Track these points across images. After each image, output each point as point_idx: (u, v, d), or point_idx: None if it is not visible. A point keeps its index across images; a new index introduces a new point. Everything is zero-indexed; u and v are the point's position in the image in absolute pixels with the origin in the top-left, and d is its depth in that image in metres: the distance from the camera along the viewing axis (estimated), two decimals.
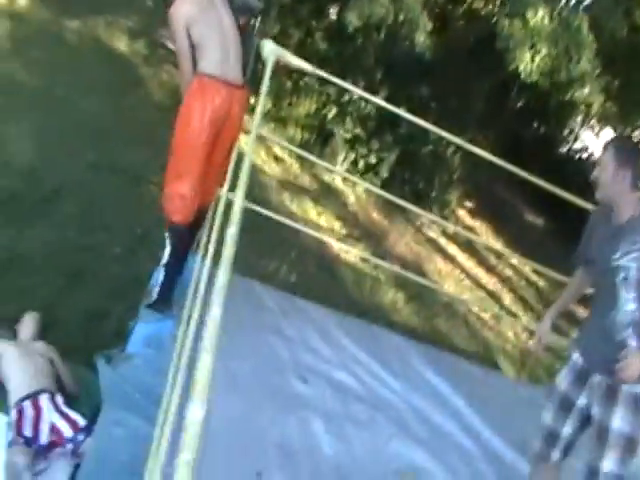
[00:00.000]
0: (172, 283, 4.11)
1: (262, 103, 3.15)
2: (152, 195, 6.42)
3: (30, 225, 5.28)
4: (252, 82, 8.62)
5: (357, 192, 9.00)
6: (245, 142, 4.07)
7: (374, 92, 8.95)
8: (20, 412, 3.49)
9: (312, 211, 7.84)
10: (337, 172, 8.69)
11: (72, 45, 9.29)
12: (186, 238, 4.08)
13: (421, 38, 7.69)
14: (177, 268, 4.12)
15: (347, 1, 7.90)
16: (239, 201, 2.17)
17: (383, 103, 5.53)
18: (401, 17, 7.62)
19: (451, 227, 8.89)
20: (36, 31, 9.13)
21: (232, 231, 1.98)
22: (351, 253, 7.29)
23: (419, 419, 4.04)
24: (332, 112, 9.39)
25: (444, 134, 4.81)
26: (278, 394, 3.70)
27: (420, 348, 4.91)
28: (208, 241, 3.59)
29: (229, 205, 3.69)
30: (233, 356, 3.58)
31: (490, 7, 10.06)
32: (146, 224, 5.85)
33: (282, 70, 8.82)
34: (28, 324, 4.10)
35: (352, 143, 9.15)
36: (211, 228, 3.64)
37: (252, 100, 8.66)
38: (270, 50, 3.65)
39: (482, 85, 10.48)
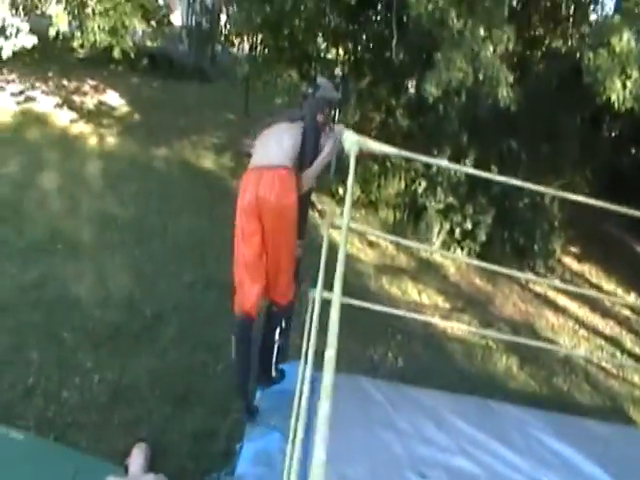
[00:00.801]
0: (243, 385, 3.98)
1: (349, 197, 3.01)
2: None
3: (134, 354, 5.40)
4: (339, 172, 8.75)
5: (457, 262, 8.79)
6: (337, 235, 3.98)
7: (462, 156, 8.87)
8: None
9: (413, 290, 7.69)
10: (432, 249, 8.52)
11: (161, 172, 9.68)
12: (245, 332, 3.87)
13: (504, 92, 7.52)
14: (243, 368, 3.93)
15: (424, 72, 7.85)
16: (337, 298, 2.03)
17: (471, 170, 5.33)
18: (481, 76, 7.48)
19: (556, 282, 8.50)
20: (126, 165, 9.60)
21: (333, 330, 1.85)
22: (457, 325, 7.06)
23: None
24: (422, 186, 9.30)
25: (540, 189, 4.56)
26: None
27: (541, 416, 4.58)
28: (307, 346, 3.51)
29: (324, 303, 3.65)
30: (346, 461, 3.43)
31: (570, 43, 9.83)
32: None
33: (367, 155, 8.87)
34: (138, 457, 4.10)
35: (445, 213, 8.99)
36: (308, 331, 3.57)
37: (340, 190, 8.87)
38: (351, 142, 3.58)
39: (572, 124, 10.15)
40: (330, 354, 1.77)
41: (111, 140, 10.58)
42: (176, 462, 4.38)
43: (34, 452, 4.16)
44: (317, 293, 3.52)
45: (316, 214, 7.93)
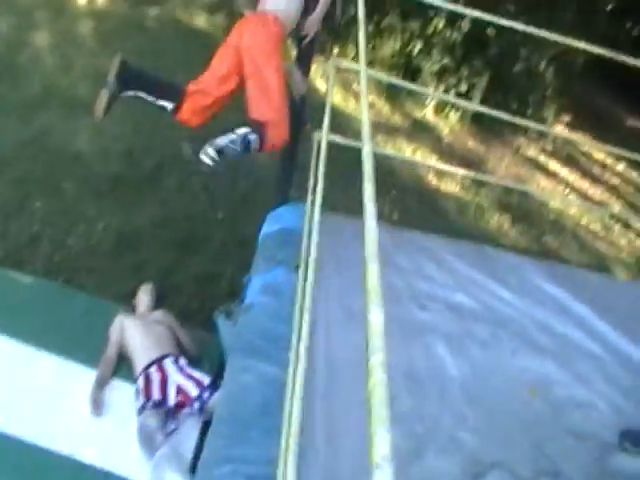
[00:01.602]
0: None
1: (363, 34, 2.90)
2: (248, 157, 6.52)
3: (137, 204, 5.51)
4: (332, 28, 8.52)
5: (450, 123, 8.81)
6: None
7: (458, 18, 8.76)
8: (147, 378, 3.67)
9: (407, 149, 7.72)
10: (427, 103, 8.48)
11: (154, 31, 9.47)
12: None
13: None
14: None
15: None
16: (368, 149, 2.04)
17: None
18: None
19: (548, 144, 8.55)
20: (118, 24, 9.38)
21: (369, 181, 1.85)
22: (451, 184, 7.15)
23: (543, 331, 3.95)
24: (417, 47, 9.14)
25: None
26: (399, 323, 3.64)
27: (535, 263, 4.76)
28: (314, 189, 3.58)
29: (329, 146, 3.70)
30: (348, 292, 3.59)
31: None
32: (244, 186, 5.98)
33: None
34: (144, 296, 4.28)
35: (441, 74, 8.92)
36: (314, 175, 3.64)
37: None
38: None
39: None
40: (370, 210, 1.75)
41: (101, 0, 10.30)
42: (182, 302, 4.58)
43: (43, 295, 4.32)
44: (324, 135, 3.57)
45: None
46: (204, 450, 2.90)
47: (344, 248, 3.84)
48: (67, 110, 6.80)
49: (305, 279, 3.34)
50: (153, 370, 3.73)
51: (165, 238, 5.17)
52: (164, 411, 3.58)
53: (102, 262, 4.84)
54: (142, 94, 3.57)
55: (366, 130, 2.02)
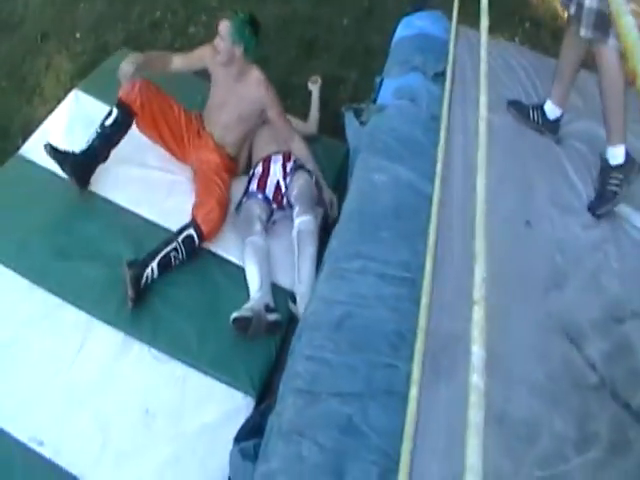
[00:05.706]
0: None
1: None
2: None
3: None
4: None
5: None
6: None
7: None
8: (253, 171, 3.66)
9: None
10: None
11: None
12: None
13: None
14: None
15: None
16: None
17: None
18: None
19: None
20: None
21: None
22: None
23: None
24: None
25: None
26: (540, 150, 3.37)
27: None
28: None
29: None
30: (492, 108, 3.35)
31: None
32: None
33: None
34: None
35: None
36: None
37: None
38: None
39: None
40: None
41: None
42: (304, 102, 4.37)
43: None
44: None
45: None
46: (331, 242, 2.79)
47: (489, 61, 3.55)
48: None
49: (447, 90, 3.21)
50: (259, 164, 3.66)
51: (288, 37, 4.93)
52: (269, 207, 3.49)
53: None
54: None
55: None
